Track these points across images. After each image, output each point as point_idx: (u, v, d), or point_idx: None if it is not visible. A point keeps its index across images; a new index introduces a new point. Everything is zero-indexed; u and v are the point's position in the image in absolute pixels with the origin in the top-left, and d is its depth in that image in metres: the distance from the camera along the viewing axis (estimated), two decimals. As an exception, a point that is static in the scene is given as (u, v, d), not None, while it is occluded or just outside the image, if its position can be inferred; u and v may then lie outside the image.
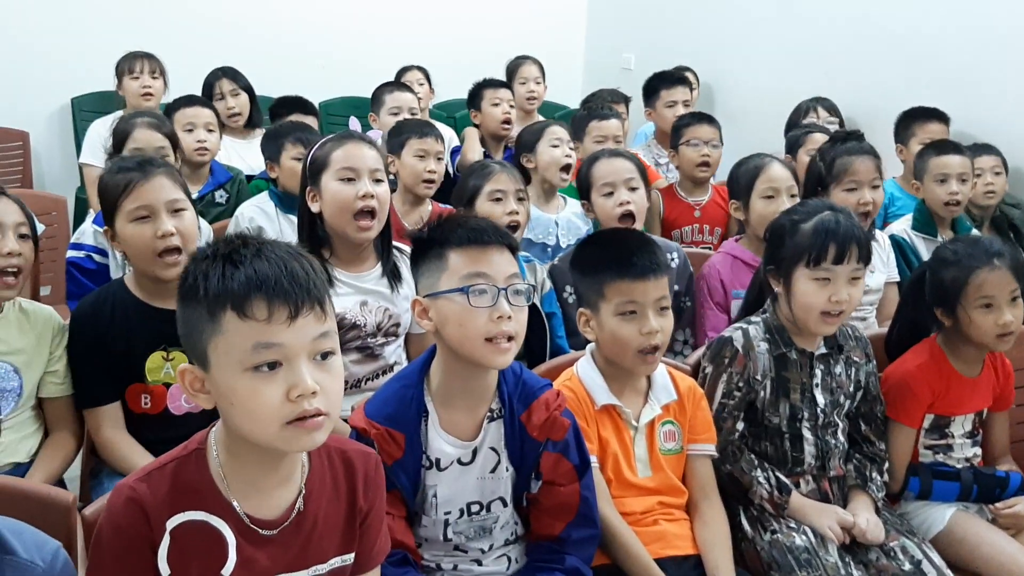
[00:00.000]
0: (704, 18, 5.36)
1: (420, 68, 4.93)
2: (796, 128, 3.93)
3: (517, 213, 2.66)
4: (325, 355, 1.28)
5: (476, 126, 4.43)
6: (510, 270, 1.67)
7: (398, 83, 4.40)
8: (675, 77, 4.41)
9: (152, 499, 1.31)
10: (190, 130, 3.39)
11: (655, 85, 4.38)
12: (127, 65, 4.13)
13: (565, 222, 3.19)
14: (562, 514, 1.75)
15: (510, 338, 1.63)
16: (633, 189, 2.74)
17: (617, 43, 5.97)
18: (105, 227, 2.12)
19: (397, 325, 2.36)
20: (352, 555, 1.45)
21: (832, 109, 4.22)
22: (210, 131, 3.44)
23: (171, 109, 3.55)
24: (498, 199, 2.68)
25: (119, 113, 4.10)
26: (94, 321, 2.04)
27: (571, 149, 3.27)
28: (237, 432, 1.30)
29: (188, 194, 2.15)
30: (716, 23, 5.29)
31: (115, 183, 2.06)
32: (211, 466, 1.34)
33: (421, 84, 4.75)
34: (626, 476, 1.93)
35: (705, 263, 2.79)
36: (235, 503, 1.33)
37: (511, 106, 4.37)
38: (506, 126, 4.30)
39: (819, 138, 3.42)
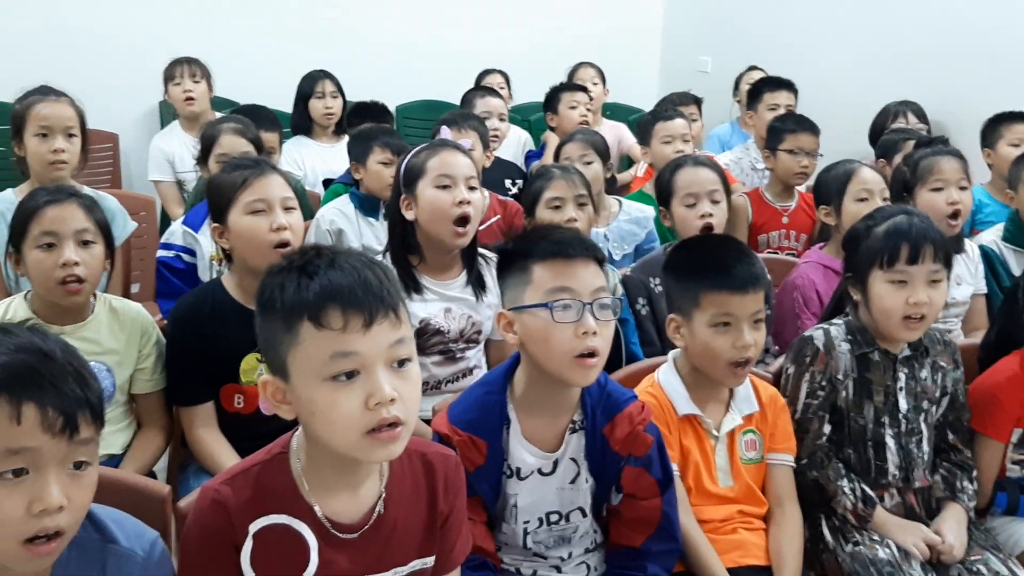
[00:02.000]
0: (783, 19, 5.29)
1: (501, 72, 4.96)
2: (884, 132, 3.84)
3: (576, 220, 2.64)
4: (402, 362, 1.28)
5: (552, 129, 4.44)
6: (596, 283, 1.64)
7: (487, 88, 4.43)
8: (780, 81, 4.35)
9: (236, 502, 1.34)
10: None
11: (759, 88, 4.32)
12: (169, 72, 4.22)
13: (616, 232, 3.16)
14: (642, 527, 1.75)
15: (594, 355, 1.61)
16: (715, 202, 2.70)
17: (693, 46, 5.93)
18: (215, 223, 2.17)
19: (479, 332, 2.39)
20: (432, 558, 1.45)
21: (920, 114, 4.13)
22: (271, 154, 3.45)
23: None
24: (556, 207, 2.68)
25: (174, 124, 4.22)
26: (191, 322, 2.09)
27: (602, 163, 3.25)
28: (318, 441, 1.31)
29: (303, 207, 2.22)
30: (794, 24, 5.21)
31: (232, 179, 2.12)
32: (293, 470, 1.37)
33: (502, 88, 4.79)
34: (706, 485, 1.92)
35: (795, 273, 2.74)
36: (316, 507, 1.35)
37: (588, 109, 4.37)
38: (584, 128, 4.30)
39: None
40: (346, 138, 4.28)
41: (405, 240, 2.34)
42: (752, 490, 1.96)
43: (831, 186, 2.79)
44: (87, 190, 2.87)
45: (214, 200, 2.17)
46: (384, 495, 1.39)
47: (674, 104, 4.28)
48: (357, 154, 3.08)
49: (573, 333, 1.60)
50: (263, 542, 1.34)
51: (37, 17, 4.74)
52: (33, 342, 1.20)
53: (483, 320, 2.38)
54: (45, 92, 2.84)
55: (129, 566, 1.30)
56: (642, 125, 3.77)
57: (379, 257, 2.35)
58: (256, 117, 3.47)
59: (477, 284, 2.38)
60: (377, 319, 1.25)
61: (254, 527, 1.34)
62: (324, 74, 4.22)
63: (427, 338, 2.31)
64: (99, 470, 1.27)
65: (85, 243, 2.06)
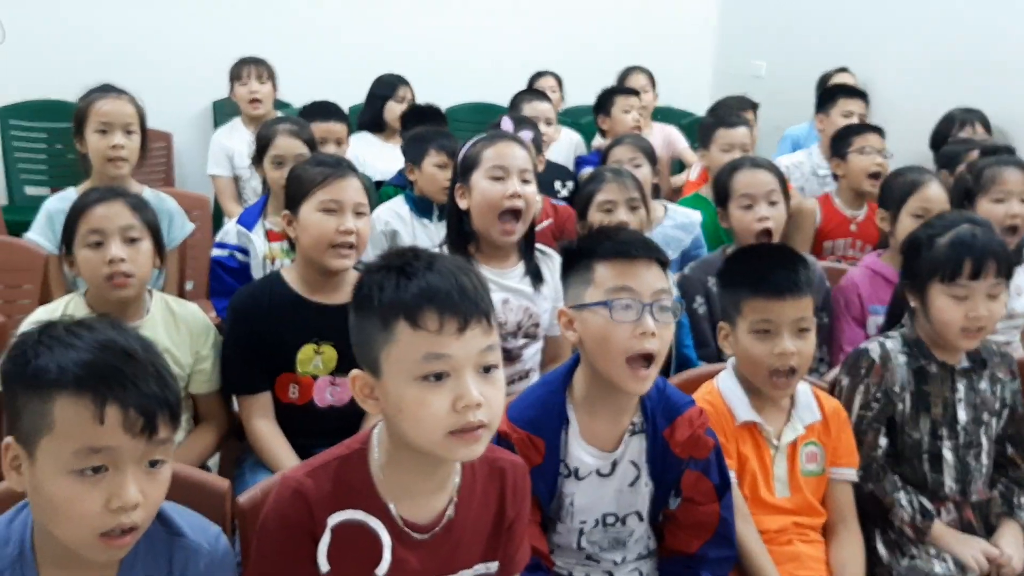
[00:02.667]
0: (840, 25, 5.21)
1: (553, 74, 4.95)
2: (948, 141, 3.75)
3: (627, 224, 2.61)
4: (489, 368, 1.31)
5: (603, 132, 4.42)
6: (657, 285, 1.64)
7: (535, 91, 4.43)
8: (856, 90, 4.27)
9: (316, 494, 1.36)
10: (322, 142, 3.42)
11: (834, 93, 4.23)
12: (236, 71, 4.26)
13: (661, 237, 3.10)
14: (699, 532, 1.73)
15: (650, 362, 1.61)
16: (773, 203, 2.67)
17: (748, 50, 5.86)
18: (285, 211, 2.21)
19: (536, 325, 2.38)
20: (496, 563, 1.47)
21: (986, 123, 4.01)
22: (339, 144, 3.49)
23: (305, 116, 3.58)
24: (608, 210, 2.67)
25: (236, 121, 4.27)
26: (251, 311, 2.12)
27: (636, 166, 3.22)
28: (402, 438, 1.33)
29: (370, 201, 2.25)
30: (852, 30, 5.13)
31: (312, 174, 2.17)
32: (371, 467, 1.39)
33: (554, 91, 4.79)
34: (763, 495, 1.90)
35: (844, 276, 2.71)
36: (391, 505, 1.37)
37: (641, 113, 4.35)
38: (636, 132, 4.26)
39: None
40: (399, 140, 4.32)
41: (461, 229, 2.35)
42: (810, 503, 1.93)
43: (894, 192, 2.74)
44: (147, 190, 2.94)
45: (292, 189, 2.23)
46: (455, 499, 1.41)
47: (731, 108, 4.21)
48: (412, 156, 3.09)
49: (631, 333, 1.60)
50: (340, 536, 1.36)
51: (99, 21, 4.84)
52: (115, 340, 1.22)
53: (541, 313, 2.37)
54: (106, 90, 2.89)
55: (195, 559, 1.33)
56: (702, 128, 3.72)
57: (436, 250, 2.36)
58: (325, 111, 3.53)
59: (535, 275, 2.37)
60: (471, 324, 1.28)
61: (332, 521, 1.36)
62: (404, 80, 4.28)
63: None
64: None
65: (131, 240, 2.08)
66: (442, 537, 1.40)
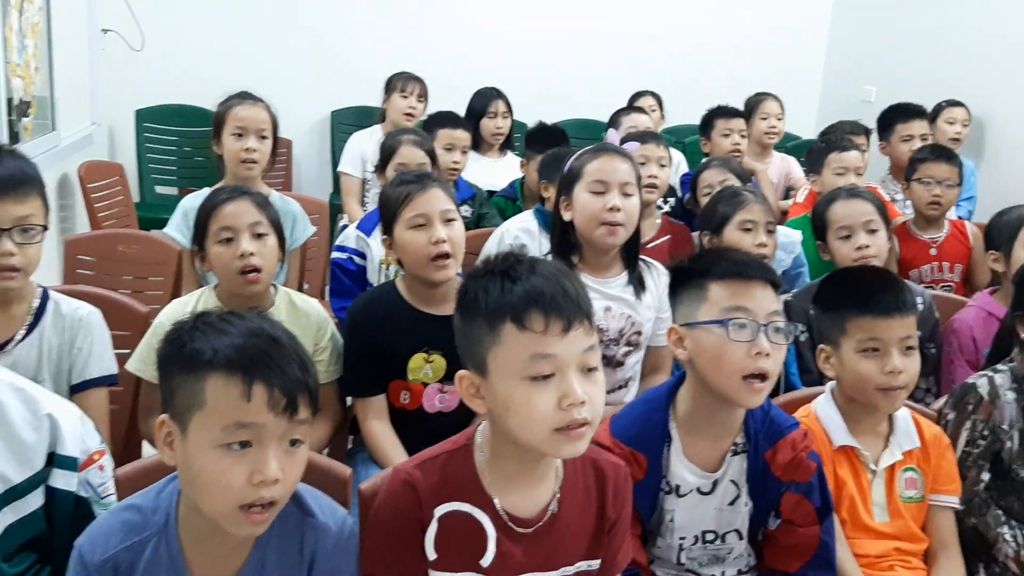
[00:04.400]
0: (957, 49, 5.06)
1: (653, 94, 4.99)
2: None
3: (765, 245, 2.66)
4: (590, 368, 1.35)
5: (706, 155, 4.43)
6: (772, 307, 1.66)
7: (636, 108, 4.48)
8: (912, 110, 4.23)
9: (425, 485, 1.42)
10: (449, 149, 3.55)
11: (891, 117, 4.23)
12: (400, 83, 4.37)
13: None
14: (799, 554, 1.74)
15: (764, 378, 1.63)
16: (872, 232, 2.66)
17: (858, 74, 5.77)
18: (384, 235, 2.29)
19: (639, 333, 2.40)
20: (597, 561, 1.50)
21: None
22: (464, 153, 3.62)
23: (432, 124, 3.73)
24: (748, 229, 2.68)
25: (376, 127, 4.42)
26: (367, 320, 2.20)
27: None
28: (508, 435, 1.38)
29: (458, 207, 2.31)
30: (967, 59, 4.97)
31: (396, 195, 2.24)
32: (476, 462, 1.44)
33: (653, 110, 4.81)
34: (862, 519, 1.90)
35: (956, 316, 2.67)
36: (495, 499, 1.43)
37: (742, 136, 4.32)
38: (736, 156, 4.26)
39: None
40: (510, 154, 4.41)
41: (565, 239, 2.40)
42: (911, 529, 1.93)
43: (1002, 231, 2.71)
44: (274, 193, 3.10)
45: (384, 213, 2.29)
46: (558, 495, 1.45)
47: (845, 133, 4.15)
48: (549, 174, 3.09)
49: (746, 353, 1.62)
50: (446, 527, 1.42)
51: (229, 34, 5.16)
52: (263, 327, 1.33)
53: (643, 321, 2.40)
54: (244, 96, 3.06)
55: (323, 539, 1.40)
56: (813, 153, 3.70)
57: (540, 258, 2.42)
58: (453, 120, 3.68)
59: (637, 284, 2.40)
60: (574, 325, 1.33)
61: (439, 511, 1.42)
62: (497, 93, 4.35)
63: None
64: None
65: (259, 235, 2.18)
66: (545, 532, 1.44)
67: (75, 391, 2.03)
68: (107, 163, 4.49)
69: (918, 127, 4.14)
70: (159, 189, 5.07)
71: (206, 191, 3.01)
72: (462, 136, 3.62)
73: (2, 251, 1.85)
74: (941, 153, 3.44)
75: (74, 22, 4.40)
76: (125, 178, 4.38)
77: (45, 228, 1.95)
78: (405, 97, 4.34)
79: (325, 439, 2.29)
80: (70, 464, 1.52)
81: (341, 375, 2.26)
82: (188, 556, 1.36)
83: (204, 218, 2.22)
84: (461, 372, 1.41)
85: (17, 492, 1.48)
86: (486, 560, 1.42)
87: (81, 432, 1.55)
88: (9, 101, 3.36)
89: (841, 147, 3.59)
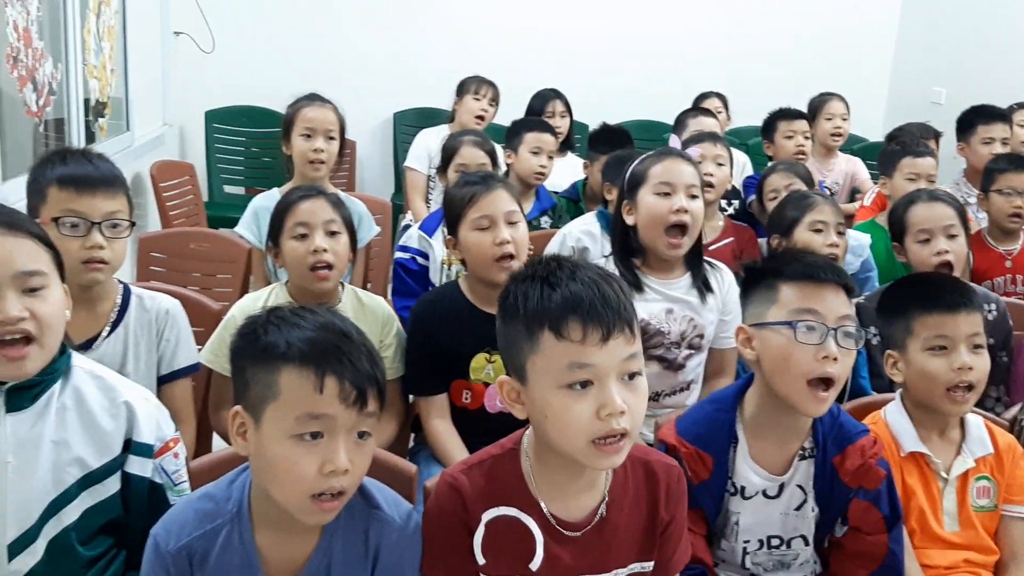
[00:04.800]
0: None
1: (719, 95, 4.95)
2: None
3: (837, 246, 2.63)
4: (632, 375, 1.33)
5: (769, 158, 4.38)
6: (842, 311, 1.64)
7: (701, 109, 4.45)
8: (994, 112, 4.12)
9: (470, 490, 1.43)
10: (535, 153, 3.54)
11: (971, 119, 4.10)
12: (474, 86, 4.44)
13: None
14: (866, 562, 1.72)
15: (829, 385, 1.61)
16: (952, 237, 2.61)
17: (927, 75, 5.66)
18: (449, 236, 2.31)
19: (701, 336, 2.38)
20: (651, 563, 1.49)
21: None
22: (550, 158, 3.60)
23: (520, 128, 3.70)
24: (819, 230, 2.66)
25: (444, 127, 4.46)
26: (430, 320, 2.22)
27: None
28: (547, 443, 1.38)
29: (522, 209, 2.32)
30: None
31: (461, 195, 2.26)
32: (523, 467, 1.44)
33: (719, 112, 4.77)
34: (932, 528, 1.87)
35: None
36: (542, 503, 1.42)
37: (806, 138, 4.25)
38: (800, 158, 4.20)
39: None
40: (570, 154, 4.42)
41: (627, 243, 2.39)
42: (982, 539, 1.89)
43: None
44: (341, 193, 3.16)
45: (448, 213, 2.31)
46: (607, 499, 1.45)
47: (914, 136, 4.05)
48: (611, 176, 3.09)
49: (813, 356, 1.61)
50: (493, 531, 1.43)
51: (295, 38, 5.27)
52: (334, 322, 1.37)
53: (706, 324, 2.38)
54: (312, 98, 3.13)
55: (388, 531, 1.43)
56: (886, 155, 3.61)
57: (602, 261, 2.41)
58: (535, 124, 3.69)
59: (702, 286, 2.37)
60: (614, 333, 1.30)
61: (487, 516, 1.43)
62: (555, 94, 4.38)
63: (647, 338, 2.31)
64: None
65: (332, 233, 2.23)
66: (594, 535, 1.43)
67: (163, 382, 2.09)
68: (178, 163, 4.61)
69: (999, 130, 4.01)
70: (227, 188, 5.19)
71: (276, 192, 3.10)
72: (549, 140, 3.61)
73: (92, 243, 1.91)
74: (1022, 163, 3.32)
75: (148, 25, 4.52)
76: (195, 177, 4.49)
77: (132, 224, 2.02)
78: (478, 100, 4.40)
79: (390, 437, 2.31)
80: (146, 451, 1.56)
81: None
82: (259, 543, 1.39)
83: (280, 214, 2.27)
84: (502, 377, 1.41)
85: (95, 477, 1.53)
86: (535, 564, 1.42)
87: (157, 419, 1.60)
88: (86, 102, 3.47)
89: (916, 152, 3.49)
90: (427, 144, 4.33)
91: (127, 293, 2.08)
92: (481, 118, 4.37)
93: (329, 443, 1.31)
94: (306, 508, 1.33)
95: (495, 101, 4.43)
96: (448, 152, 3.13)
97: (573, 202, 3.75)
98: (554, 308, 1.31)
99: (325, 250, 2.19)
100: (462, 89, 4.45)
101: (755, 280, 1.74)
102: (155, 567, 1.39)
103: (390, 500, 1.47)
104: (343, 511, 1.38)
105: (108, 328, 2.02)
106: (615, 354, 1.31)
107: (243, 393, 1.36)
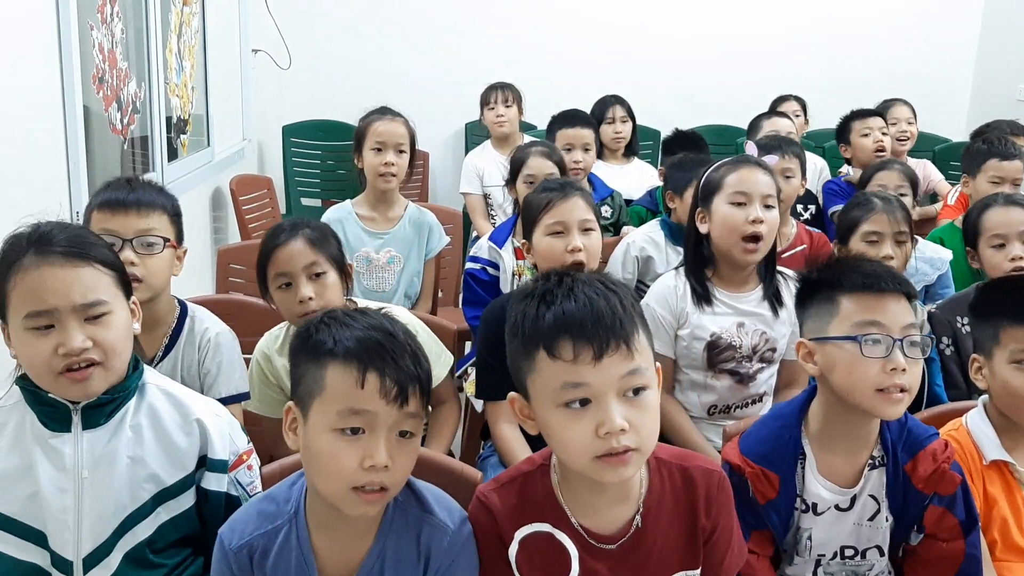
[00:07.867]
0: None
1: (797, 98, 4.88)
2: None
3: (892, 258, 2.54)
4: (637, 391, 1.30)
5: (847, 161, 4.29)
6: (906, 320, 1.60)
7: (776, 111, 4.39)
8: None
9: (501, 508, 1.43)
10: (568, 149, 3.56)
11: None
12: (484, 97, 4.57)
13: (909, 268, 2.97)
14: (943, 570, 1.68)
15: (903, 389, 1.58)
16: None
17: (1012, 72, 5.48)
18: (523, 240, 2.33)
19: (773, 350, 2.34)
20: (696, 571, 1.46)
21: None
22: (585, 151, 3.63)
23: (552, 126, 3.77)
24: (873, 241, 2.59)
25: (487, 143, 4.54)
26: (500, 324, 2.21)
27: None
28: (559, 459, 1.39)
29: (598, 217, 2.32)
30: None
31: (538, 201, 2.29)
32: (553, 482, 1.43)
33: (797, 115, 4.70)
34: (1015, 539, 1.81)
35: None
36: (573, 518, 1.41)
37: (883, 133, 4.14)
38: (880, 154, 4.10)
39: None
40: (636, 160, 4.42)
41: (699, 252, 2.35)
42: (1071, 551, 1.82)
43: None
44: (411, 205, 3.21)
45: (525, 218, 2.33)
46: (642, 509, 1.42)
47: (1003, 133, 3.87)
48: (675, 184, 3.05)
49: (881, 369, 1.57)
50: (528, 548, 1.42)
51: (370, 53, 5.38)
52: (382, 323, 1.40)
53: (778, 337, 2.32)
54: (383, 112, 3.18)
55: (439, 536, 1.44)
56: (971, 154, 3.47)
57: (672, 273, 2.40)
58: (572, 118, 3.71)
59: (775, 299, 2.33)
60: (607, 352, 1.28)
61: (520, 533, 1.42)
62: (616, 99, 4.37)
63: (718, 352, 2.29)
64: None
65: (317, 275, 2.13)
66: (630, 547, 1.41)
67: None
68: (257, 176, 4.73)
69: None
70: (304, 201, 5.30)
71: (348, 203, 3.18)
72: (578, 134, 3.63)
73: (123, 260, 1.90)
74: None
75: (227, 43, 4.65)
76: (273, 190, 4.61)
77: (168, 242, 2.05)
78: (492, 109, 4.51)
79: (454, 430, 2.34)
80: (220, 467, 1.61)
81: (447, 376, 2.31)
82: (316, 544, 1.43)
83: (262, 263, 2.18)
84: (511, 394, 1.41)
85: (170, 493, 1.58)
86: None
87: (230, 434, 1.64)
88: (169, 119, 3.59)
89: (1004, 154, 3.34)
90: (473, 165, 4.41)
91: (183, 314, 2.12)
92: (501, 123, 4.46)
93: (369, 439, 1.34)
94: (349, 499, 1.35)
95: (509, 102, 4.50)
96: (516, 164, 3.15)
97: (652, 212, 3.66)
98: (546, 328, 1.30)
99: (311, 298, 2.11)
100: (480, 102, 4.60)
101: (813, 291, 1.70)
102: (220, 564, 1.44)
103: (444, 505, 1.49)
104: (397, 514, 1.42)
105: (161, 352, 2.07)
106: (611, 371, 1.28)
107: (296, 389, 1.41)
